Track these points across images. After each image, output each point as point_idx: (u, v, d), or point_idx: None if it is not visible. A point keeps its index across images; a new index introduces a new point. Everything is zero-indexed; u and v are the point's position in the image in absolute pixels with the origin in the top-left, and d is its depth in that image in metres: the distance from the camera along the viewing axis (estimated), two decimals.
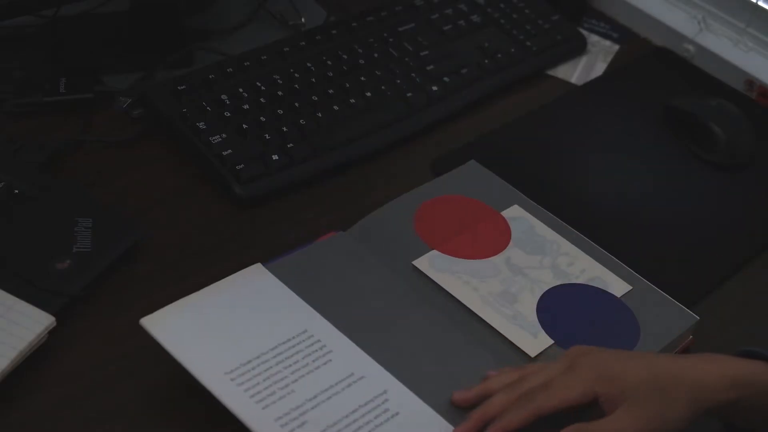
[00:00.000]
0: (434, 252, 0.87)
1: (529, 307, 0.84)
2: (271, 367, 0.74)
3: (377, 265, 0.85)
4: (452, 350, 0.79)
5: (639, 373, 0.72)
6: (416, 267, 0.86)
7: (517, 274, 0.86)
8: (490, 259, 0.88)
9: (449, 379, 0.76)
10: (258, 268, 0.82)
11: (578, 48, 1.18)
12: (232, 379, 0.72)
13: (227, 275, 0.85)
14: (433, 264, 0.86)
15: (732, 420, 0.76)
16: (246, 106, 0.97)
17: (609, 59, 1.18)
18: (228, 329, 0.76)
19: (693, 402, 0.71)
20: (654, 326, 0.83)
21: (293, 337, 0.76)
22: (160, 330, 0.74)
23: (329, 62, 1.04)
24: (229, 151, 0.92)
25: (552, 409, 0.71)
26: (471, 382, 0.75)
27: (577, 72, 1.15)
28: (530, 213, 0.93)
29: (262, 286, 0.80)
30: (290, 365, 0.74)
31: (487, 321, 0.82)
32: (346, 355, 0.76)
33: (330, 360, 0.76)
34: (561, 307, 0.84)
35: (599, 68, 1.16)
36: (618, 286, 0.86)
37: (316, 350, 0.76)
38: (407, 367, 0.77)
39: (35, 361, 0.75)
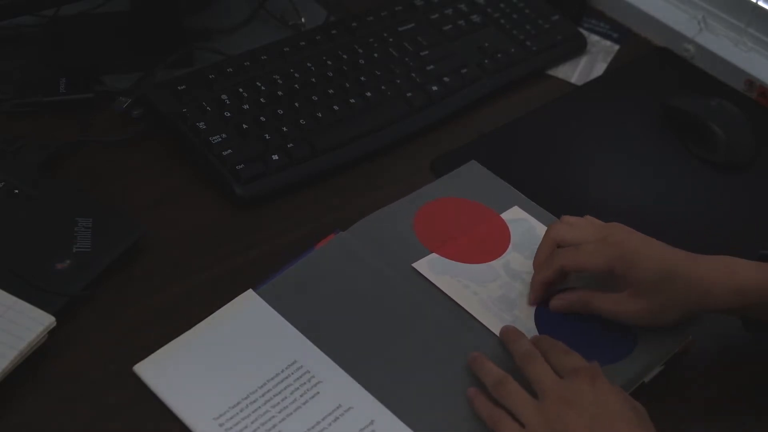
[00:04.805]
0: (433, 255, 0.87)
1: (527, 312, 0.84)
2: (259, 407, 0.75)
3: (376, 270, 0.85)
4: (447, 372, 0.79)
5: (654, 266, 0.79)
6: (416, 269, 0.86)
7: (515, 279, 0.86)
8: (489, 263, 0.88)
9: (440, 404, 0.76)
10: (249, 295, 0.82)
11: (578, 48, 1.18)
12: (220, 425, 0.73)
13: (227, 275, 0.85)
14: (432, 267, 0.86)
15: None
16: (246, 106, 0.97)
17: (609, 59, 1.18)
18: (218, 370, 0.77)
19: (694, 304, 0.80)
20: (652, 331, 0.82)
21: (282, 371, 0.77)
22: (152, 377, 0.76)
23: (329, 62, 1.04)
24: (229, 151, 0.92)
25: (574, 269, 0.82)
26: (463, 407, 0.76)
27: (577, 72, 1.15)
28: (530, 214, 0.93)
29: (253, 316, 0.81)
30: (278, 403, 0.75)
31: (487, 326, 0.82)
32: (335, 384, 0.77)
33: (318, 392, 0.76)
34: (559, 313, 0.84)
35: (599, 68, 1.16)
36: None
37: (305, 383, 0.76)
38: (398, 393, 0.77)
39: (35, 361, 0.75)
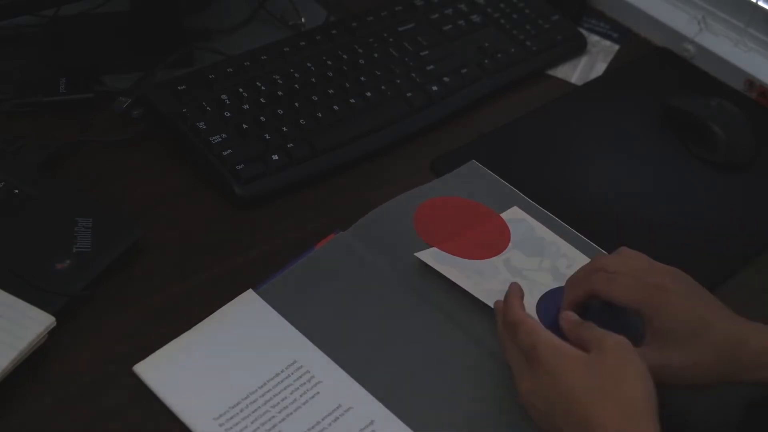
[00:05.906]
0: (435, 249, 0.87)
1: (527, 309, 0.84)
2: (259, 407, 0.75)
3: (376, 270, 0.85)
4: (447, 372, 0.79)
5: (688, 319, 0.74)
6: (419, 258, 0.85)
7: (516, 275, 0.86)
8: (489, 260, 0.88)
9: (440, 405, 0.76)
10: (249, 294, 0.82)
11: (578, 48, 1.18)
12: (220, 425, 0.73)
13: (227, 275, 0.85)
14: (435, 257, 0.86)
15: None
16: (246, 106, 0.97)
17: (609, 59, 1.18)
18: (218, 370, 0.77)
19: (720, 371, 0.74)
20: None
21: (282, 371, 0.77)
22: (152, 377, 0.76)
23: (329, 62, 1.04)
24: (229, 151, 0.92)
25: (604, 297, 0.77)
26: (463, 407, 0.76)
27: (577, 72, 1.15)
28: (530, 214, 0.93)
29: (253, 316, 0.81)
30: (278, 403, 0.75)
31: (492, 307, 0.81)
32: (335, 384, 0.77)
33: (318, 392, 0.76)
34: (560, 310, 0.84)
35: (599, 68, 1.16)
36: None
37: (305, 383, 0.76)
38: (398, 393, 0.77)
39: (35, 361, 0.75)
